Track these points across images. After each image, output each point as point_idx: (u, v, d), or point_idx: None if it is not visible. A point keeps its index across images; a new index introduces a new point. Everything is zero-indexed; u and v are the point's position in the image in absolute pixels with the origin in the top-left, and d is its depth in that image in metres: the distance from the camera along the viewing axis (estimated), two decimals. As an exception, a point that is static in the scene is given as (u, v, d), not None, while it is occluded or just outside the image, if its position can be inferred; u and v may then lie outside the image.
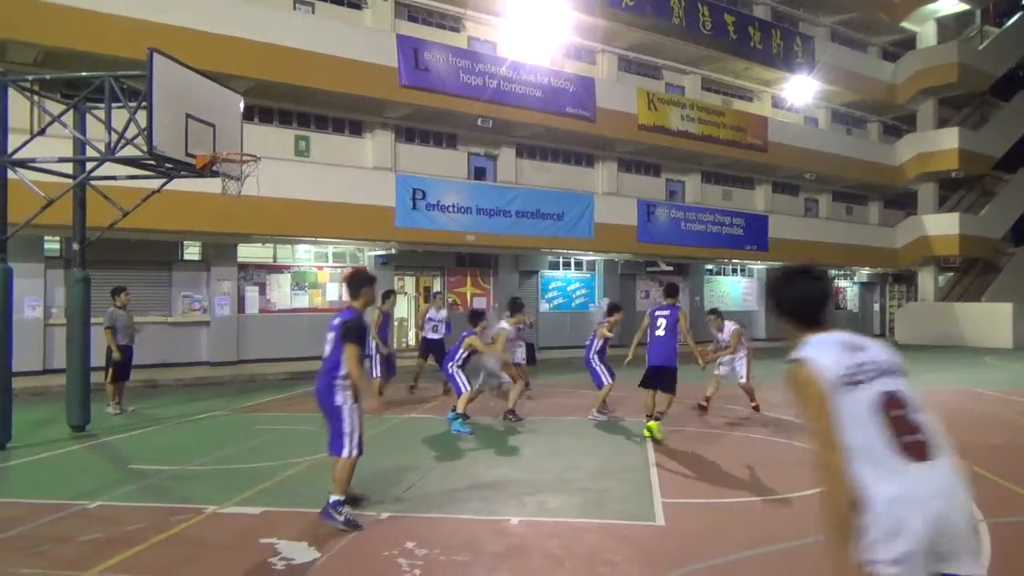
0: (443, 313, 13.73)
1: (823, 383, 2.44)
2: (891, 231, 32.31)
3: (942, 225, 31.05)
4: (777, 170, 28.87)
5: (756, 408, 11.34)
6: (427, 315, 13.57)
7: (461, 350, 10.03)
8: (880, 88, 32.00)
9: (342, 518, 5.66)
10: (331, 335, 5.92)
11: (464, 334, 10.13)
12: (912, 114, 33.39)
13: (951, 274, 34.04)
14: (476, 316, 10.48)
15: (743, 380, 11.41)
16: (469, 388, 10.01)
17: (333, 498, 5.71)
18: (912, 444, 2.38)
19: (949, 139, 31.09)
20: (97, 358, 10.52)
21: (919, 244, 31.35)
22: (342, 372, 5.74)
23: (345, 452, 5.76)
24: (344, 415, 5.77)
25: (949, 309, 30.57)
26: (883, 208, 34.91)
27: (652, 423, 9.14)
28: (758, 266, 29.23)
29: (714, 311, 11.81)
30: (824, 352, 2.52)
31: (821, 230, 29.42)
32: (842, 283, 33.90)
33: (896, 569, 2.31)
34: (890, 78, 32.36)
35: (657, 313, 9.50)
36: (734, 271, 29.54)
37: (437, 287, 21.94)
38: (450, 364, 10.06)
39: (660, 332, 9.33)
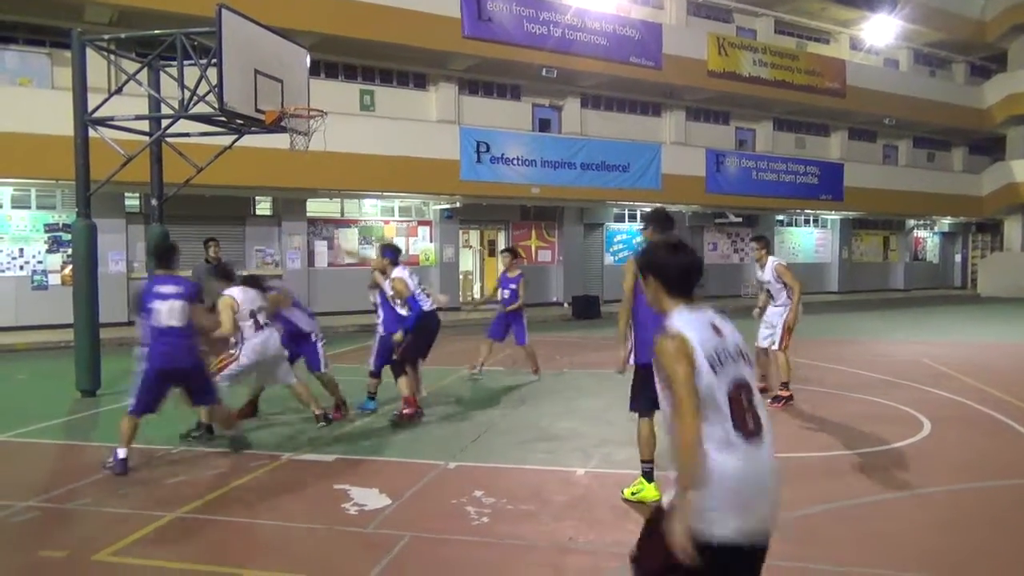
0: None
1: (693, 360, 2.56)
2: (976, 178, 30.71)
3: (1033, 171, 29.38)
4: (854, 116, 27.69)
5: (780, 396, 8.27)
6: None
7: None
8: (968, 25, 30.17)
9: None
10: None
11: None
12: (1003, 53, 31.39)
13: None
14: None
15: (773, 345, 8.39)
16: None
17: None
18: (750, 427, 2.58)
19: (1043, 78, 29.23)
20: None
21: (1007, 191, 29.72)
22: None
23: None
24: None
25: (1037, 260, 29.09)
26: (968, 154, 33.16)
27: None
28: (832, 216, 28.29)
29: (759, 238, 8.90)
30: (696, 330, 2.64)
31: (900, 178, 28.19)
32: (921, 233, 32.55)
33: (727, 533, 2.47)
34: (979, 14, 30.46)
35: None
36: (806, 222, 28.66)
37: (502, 241, 21.85)
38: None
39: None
